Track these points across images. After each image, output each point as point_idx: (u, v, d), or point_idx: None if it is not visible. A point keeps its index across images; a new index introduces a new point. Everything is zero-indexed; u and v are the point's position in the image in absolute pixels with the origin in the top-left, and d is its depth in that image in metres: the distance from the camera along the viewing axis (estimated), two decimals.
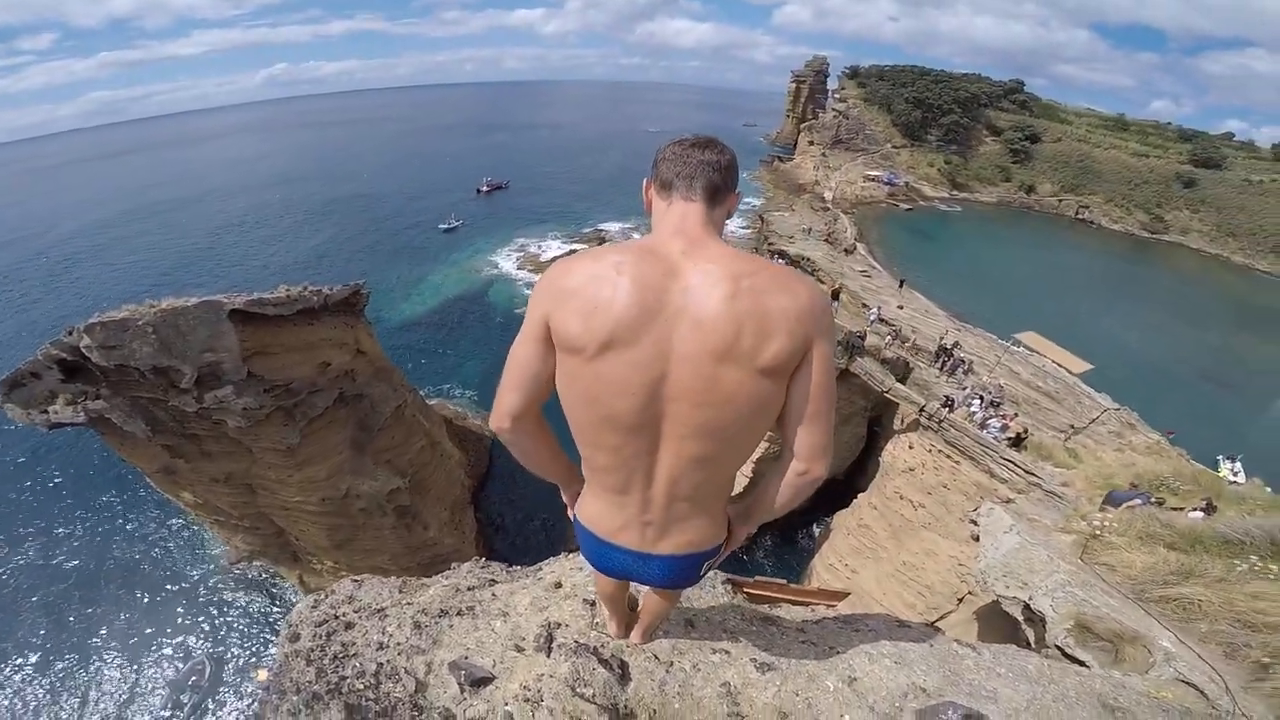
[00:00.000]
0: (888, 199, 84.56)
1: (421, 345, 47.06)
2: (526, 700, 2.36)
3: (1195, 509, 8.49)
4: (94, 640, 25.32)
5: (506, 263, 63.09)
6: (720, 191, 1.55)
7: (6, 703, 23.26)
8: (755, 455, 15.78)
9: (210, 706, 22.60)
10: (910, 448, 21.74)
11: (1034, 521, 8.78)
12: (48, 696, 23.35)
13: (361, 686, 2.39)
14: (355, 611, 2.97)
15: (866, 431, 29.03)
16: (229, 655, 24.76)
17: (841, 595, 4.40)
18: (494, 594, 3.58)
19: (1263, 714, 3.98)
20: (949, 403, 20.66)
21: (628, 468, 1.62)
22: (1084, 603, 5.44)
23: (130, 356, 15.13)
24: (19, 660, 24.68)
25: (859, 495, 24.11)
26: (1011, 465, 17.64)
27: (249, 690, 22.91)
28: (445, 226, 71.93)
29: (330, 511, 21.57)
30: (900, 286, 33.84)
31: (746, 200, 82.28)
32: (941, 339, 24.95)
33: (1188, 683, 4.15)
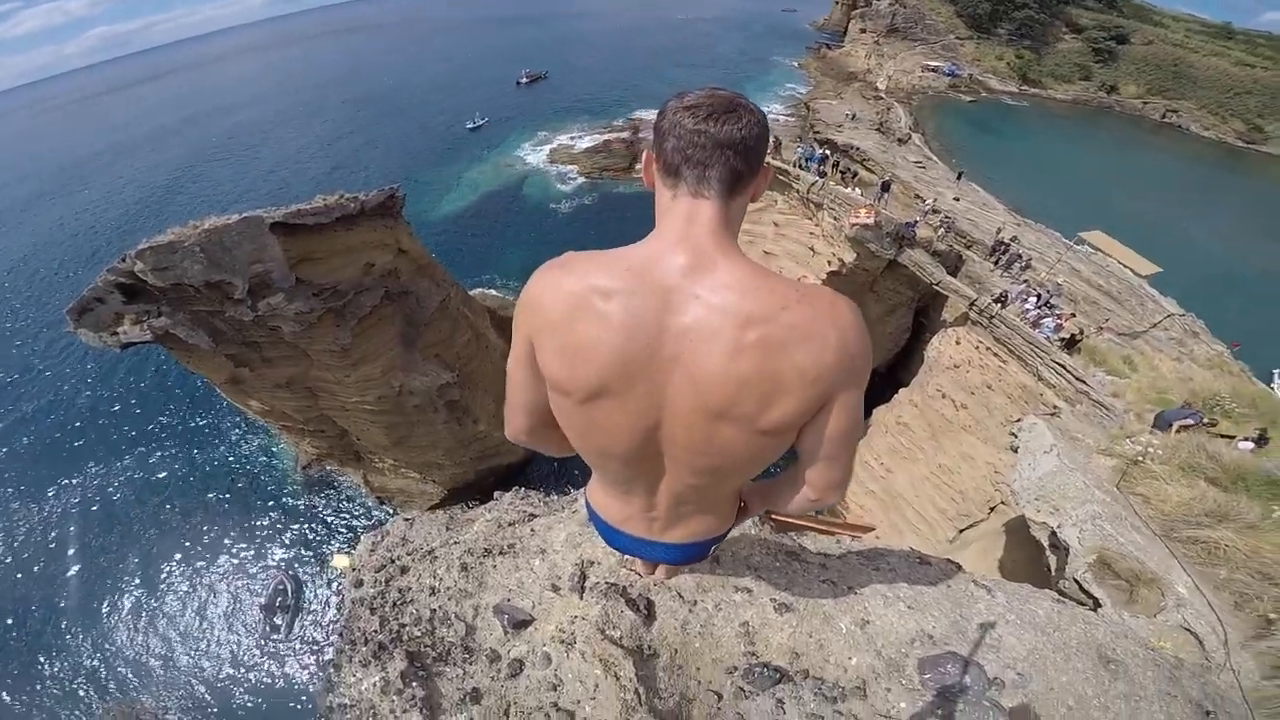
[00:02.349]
0: (949, 90, 77.29)
1: (461, 240, 47.88)
2: (561, 642, 2.62)
3: (1246, 439, 8.15)
4: (188, 551, 27.96)
5: (538, 156, 62.18)
6: (745, 178, 1.22)
7: (120, 617, 26.08)
8: None
9: (298, 622, 24.84)
10: (957, 343, 21.22)
11: (1076, 440, 8.65)
12: (153, 608, 26.11)
13: (419, 633, 2.70)
14: (409, 554, 3.27)
15: (912, 323, 28.26)
16: (308, 557, 27.17)
17: (868, 529, 4.54)
18: (533, 529, 3.84)
19: (1249, 670, 4.06)
20: (1002, 298, 19.89)
21: (628, 482, 1.58)
22: (1110, 538, 5.46)
23: (183, 275, 15.91)
24: (127, 573, 27.59)
25: (900, 391, 23.76)
26: (1062, 369, 17.11)
27: (330, 598, 25.07)
28: (472, 125, 71.20)
29: (387, 409, 22.91)
30: (958, 179, 31.66)
31: (790, 87, 76.37)
32: (998, 232, 23.63)
33: (1190, 631, 4.23)
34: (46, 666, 25.24)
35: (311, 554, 27.40)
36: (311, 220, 18.51)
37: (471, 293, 30.33)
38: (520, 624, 2.72)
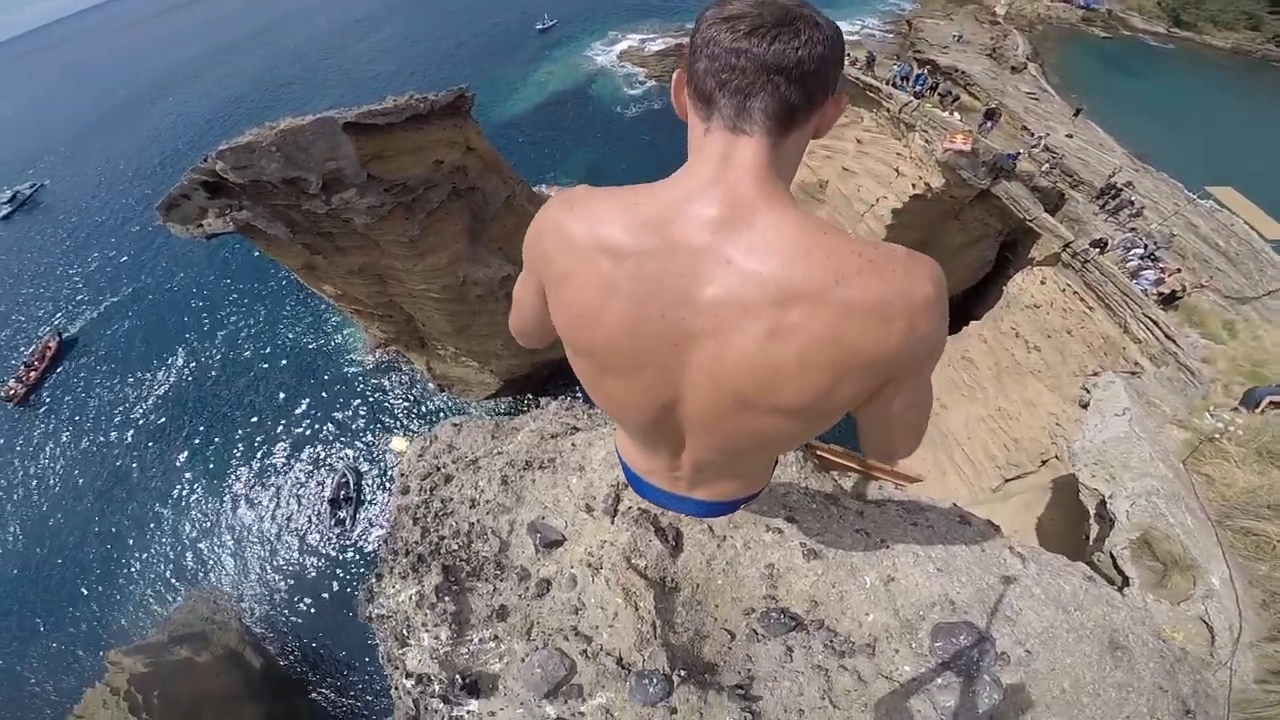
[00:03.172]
0: (1081, 23, 67.41)
1: (529, 139, 48.10)
2: (589, 566, 2.75)
3: None
4: (268, 430, 30.42)
5: (607, 57, 60.71)
6: (800, 112, 0.93)
7: (203, 500, 28.62)
8: None
9: (361, 514, 26.83)
10: (1042, 282, 19.91)
11: (1152, 406, 8.09)
12: (234, 492, 28.53)
13: (456, 547, 2.88)
14: (454, 462, 3.45)
15: (996, 257, 26.31)
16: (372, 441, 28.96)
17: (914, 479, 4.45)
18: (574, 444, 3.96)
19: (1246, 671, 3.92)
20: (1101, 244, 18.34)
21: (651, 441, 1.39)
22: (1160, 517, 5.19)
23: (261, 173, 16.82)
24: (211, 455, 30.06)
25: (970, 324, 22.42)
26: (1153, 324, 15.89)
27: (390, 486, 26.78)
28: (541, 26, 70.41)
29: (451, 298, 24.03)
30: (1076, 115, 28.35)
31: (892, 1, 68.13)
32: (1112, 175, 21.38)
33: (1206, 623, 4.09)
34: (136, 543, 28.15)
35: (374, 439, 29.49)
36: (382, 120, 18.88)
37: (536, 189, 30.38)
38: (551, 544, 2.87)
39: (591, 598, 2.64)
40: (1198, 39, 72.39)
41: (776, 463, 1.73)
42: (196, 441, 31.35)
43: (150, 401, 33.69)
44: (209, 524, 28.57)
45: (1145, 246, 17.93)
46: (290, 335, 35.01)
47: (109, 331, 38.91)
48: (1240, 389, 9.33)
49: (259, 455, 30.09)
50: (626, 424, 1.39)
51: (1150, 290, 16.69)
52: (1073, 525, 6.90)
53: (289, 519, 27.72)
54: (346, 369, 32.53)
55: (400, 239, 21.25)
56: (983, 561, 3.34)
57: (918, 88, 24.97)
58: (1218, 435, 6.66)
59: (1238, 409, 8.04)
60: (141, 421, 32.77)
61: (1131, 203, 20.04)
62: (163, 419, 32.61)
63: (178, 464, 30.69)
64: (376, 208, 19.57)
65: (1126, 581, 4.90)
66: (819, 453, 4.46)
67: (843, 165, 25.64)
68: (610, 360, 1.09)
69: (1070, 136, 24.77)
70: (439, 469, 3.36)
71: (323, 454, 29.43)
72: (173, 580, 27.09)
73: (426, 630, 2.62)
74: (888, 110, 24.75)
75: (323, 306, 31.04)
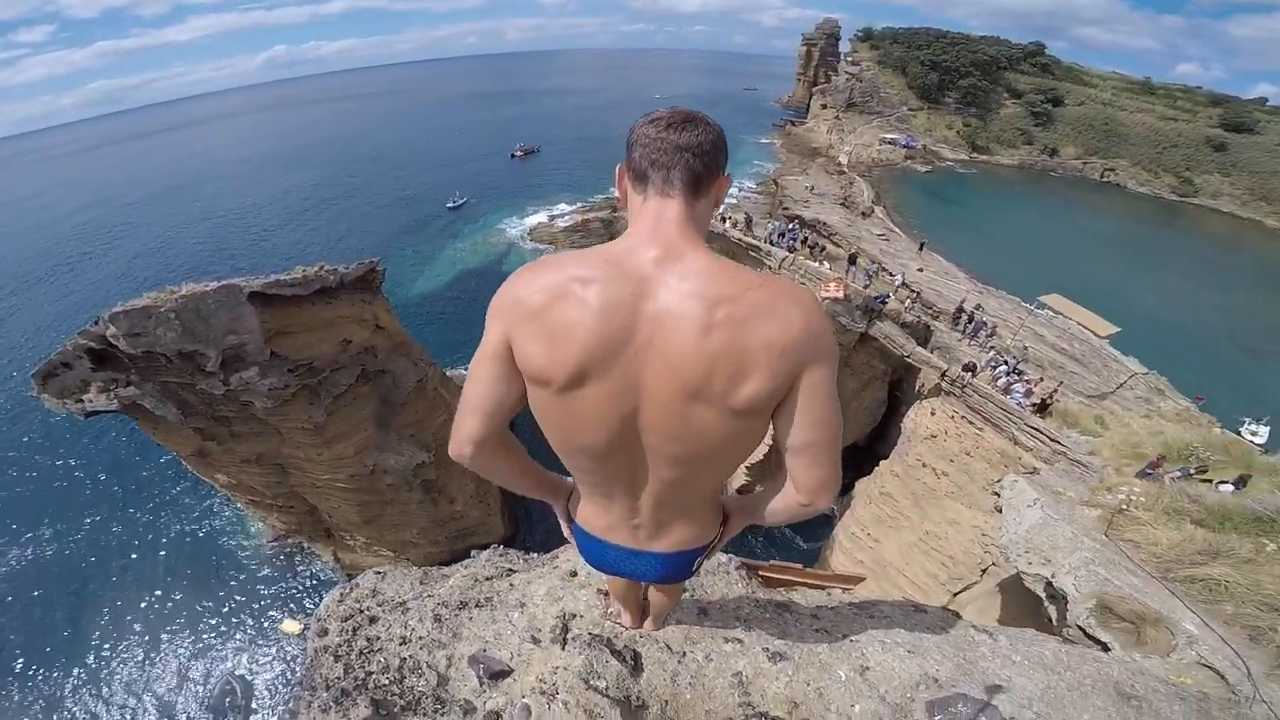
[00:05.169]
0: (905, 161, 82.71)
1: (439, 319, 47.95)
2: (542, 693, 2.42)
3: (1225, 482, 8.28)
4: (144, 623, 26.19)
5: (518, 235, 63.42)
6: (704, 180, 1.32)
7: (95, 674, 24.29)
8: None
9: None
10: (932, 414, 21.48)
11: (1059, 495, 8.65)
12: (99, 690, 24.14)
13: (386, 681, 2.48)
14: (379, 605, 3.06)
15: (888, 396, 28.71)
16: (271, 634, 25.50)
17: (858, 579, 4.40)
18: (511, 584, 3.66)
19: None
20: (971, 367, 20.33)
21: (608, 483, 1.57)
22: (1107, 582, 5.39)
23: (156, 343, 15.60)
24: (74, 644, 25.68)
25: (881, 462, 23.86)
26: (1036, 433, 17.35)
27: (281, 686, 23.33)
28: (451, 204, 72.52)
29: (359, 488, 22.17)
30: (920, 249, 33.08)
31: (758, 164, 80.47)
32: (962, 301, 24.46)
33: (1209, 667, 4.11)
34: None
35: (266, 632, 25.67)
36: (289, 291, 18.44)
37: (449, 373, 30.15)
38: (497, 674, 2.53)
39: None
40: (991, 160, 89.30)
41: (724, 521, 1.81)
42: (55, 621, 26.20)
43: (3, 573, 28.45)
44: (67, 711, 23.25)
45: (1007, 363, 20.13)
46: (175, 517, 30.99)
47: None
48: (1130, 471, 10.23)
49: (132, 643, 25.34)
50: (590, 451, 1.46)
51: (1024, 403, 18.45)
52: (1032, 616, 6.92)
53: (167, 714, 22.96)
54: (240, 556, 28.89)
55: (304, 425, 19.82)
56: (951, 640, 3.24)
57: (791, 242, 28.25)
58: (1124, 505, 7.17)
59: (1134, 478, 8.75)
60: None
61: (985, 324, 22.81)
62: (13, 594, 27.37)
63: (30, 643, 25.45)
64: (279, 390, 18.44)
65: (1105, 647, 4.85)
66: (762, 572, 4.38)
67: None
68: (584, 366, 1.27)
69: (921, 270, 28.52)
70: (361, 611, 2.96)
71: (208, 652, 25.13)
72: None
73: None
74: (769, 267, 27.59)
75: (215, 492, 28.20)
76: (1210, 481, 8.59)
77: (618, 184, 1.45)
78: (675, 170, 1.29)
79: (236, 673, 24.05)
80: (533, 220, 66.17)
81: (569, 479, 1.84)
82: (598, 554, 1.82)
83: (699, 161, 1.29)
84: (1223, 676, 3.95)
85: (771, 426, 1.39)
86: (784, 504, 1.55)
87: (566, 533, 1.93)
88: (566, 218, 64.64)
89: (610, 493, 1.60)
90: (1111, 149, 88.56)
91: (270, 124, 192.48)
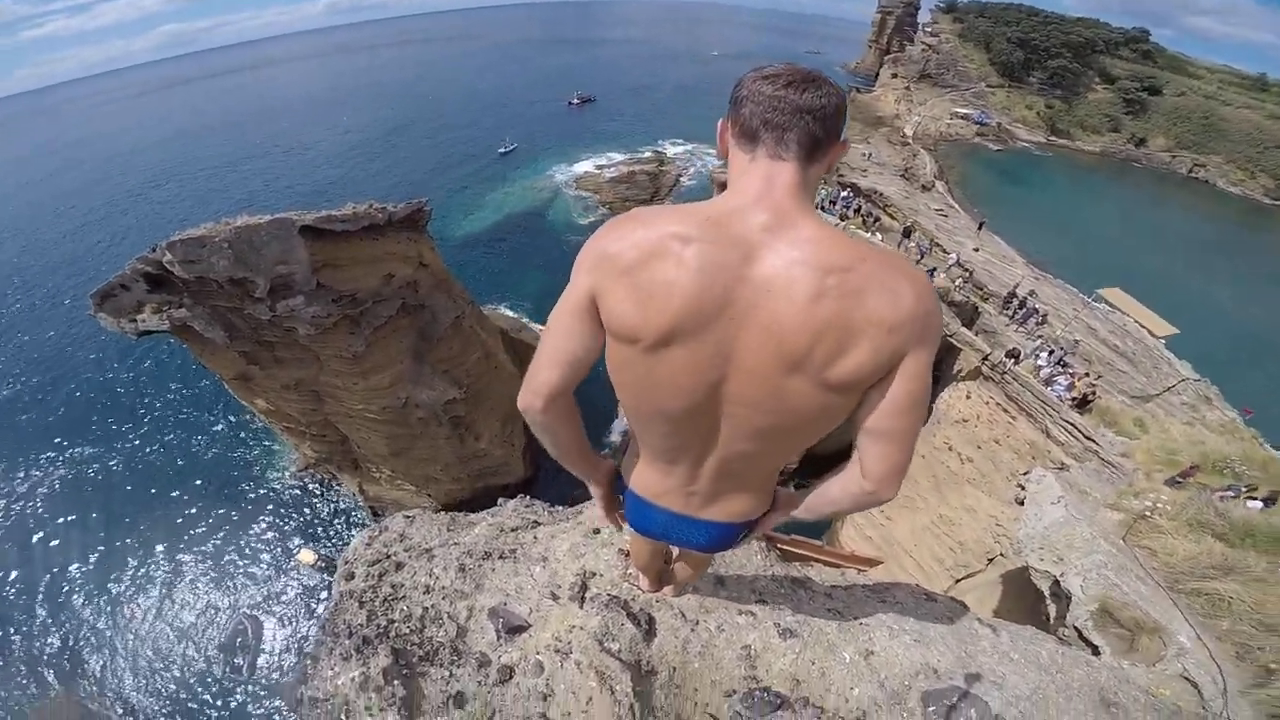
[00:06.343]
0: (976, 137, 78.47)
1: (482, 259, 48.57)
2: (557, 651, 2.55)
3: (1254, 498, 8.05)
4: (171, 546, 27.59)
5: (565, 182, 63.27)
6: (822, 145, 1.24)
7: (92, 610, 25.69)
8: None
9: (260, 662, 23.86)
10: (967, 397, 21.03)
11: (1084, 494, 8.53)
12: (123, 609, 25.63)
13: (408, 630, 2.64)
14: (406, 550, 3.23)
15: None
16: (293, 564, 26.76)
17: (875, 562, 4.47)
18: (535, 536, 3.80)
19: (1247, 719, 3.98)
20: (1015, 354, 19.77)
21: (677, 449, 1.55)
22: (1114, 587, 5.38)
23: (209, 270, 16.12)
24: (122, 554, 27.33)
25: None
26: (1071, 428, 16.92)
27: (296, 618, 24.40)
28: (503, 150, 73.01)
29: (391, 420, 22.89)
30: (979, 229, 31.70)
31: None
32: (1015, 286, 23.58)
33: (1189, 680, 4.14)
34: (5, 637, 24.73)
35: (285, 563, 26.90)
36: (339, 226, 18.83)
37: (486, 311, 30.51)
38: (515, 629, 2.67)
39: (562, 683, 2.43)
40: (1071, 145, 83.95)
41: (774, 500, 1.80)
42: (86, 539, 28.06)
43: (44, 490, 30.44)
44: (89, 629, 25.11)
45: (1053, 353, 19.49)
46: (210, 443, 32.58)
47: (8, 417, 35.75)
48: (1160, 477, 9.99)
49: (156, 566, 26.94)
50: (667, 415, 1.45)
51: (1064, 396, 17.93)
52: (1029, 612, 6.97)
53: (180, 647, 24.49)
54: (267, 485, 30.28)
55: (343, 354, 20.46)
56: (956, 632, 3.32)
57: (845, 209, 27.42)
58: (1149, 513, 7.07)
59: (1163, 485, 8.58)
60: (29, 509, 29.40)
61: (1036, 310, 21.98)
62: (52, 510, 29.39)
63: (61, 560, 27.28)
64: (322, 318, 19.04)
65: (1096, 651, 4.91)
66: (781, 545, 4.47)
67: None
68: (677, 327, 1.23)
69: (977, 250, 27.43)
70: (388, 556, 3.14)
71: (228, 577, 26.51)
72: (44, 675, 23.46)
73: (371, 715, 2.33)
74: None
75: (250, 418, 29.31)
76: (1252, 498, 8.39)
77: (719, 138, 1.38)
78: (792, 132, 1.21)
79: (249, 612, 25.05)
80: (580, 169, 65.87)
81: (608, 461, 1.86)
82: (646, 519, 1.81)
83: (819, 125, 1.22)
84: (1199, 691, 3.98)
85: (861, 407, 1.34)
86: (845, 490, 1.49)
87: (602, 511, 1.95)
88: (613, 168, 63.87)
89: (676, 459, 1.58)
90: (1207, 144, 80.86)
91: (332, 67, 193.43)
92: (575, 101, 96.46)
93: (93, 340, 40.33)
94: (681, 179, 61.76)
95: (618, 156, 68.94)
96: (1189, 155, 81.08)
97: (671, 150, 70.87)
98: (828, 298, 1.15)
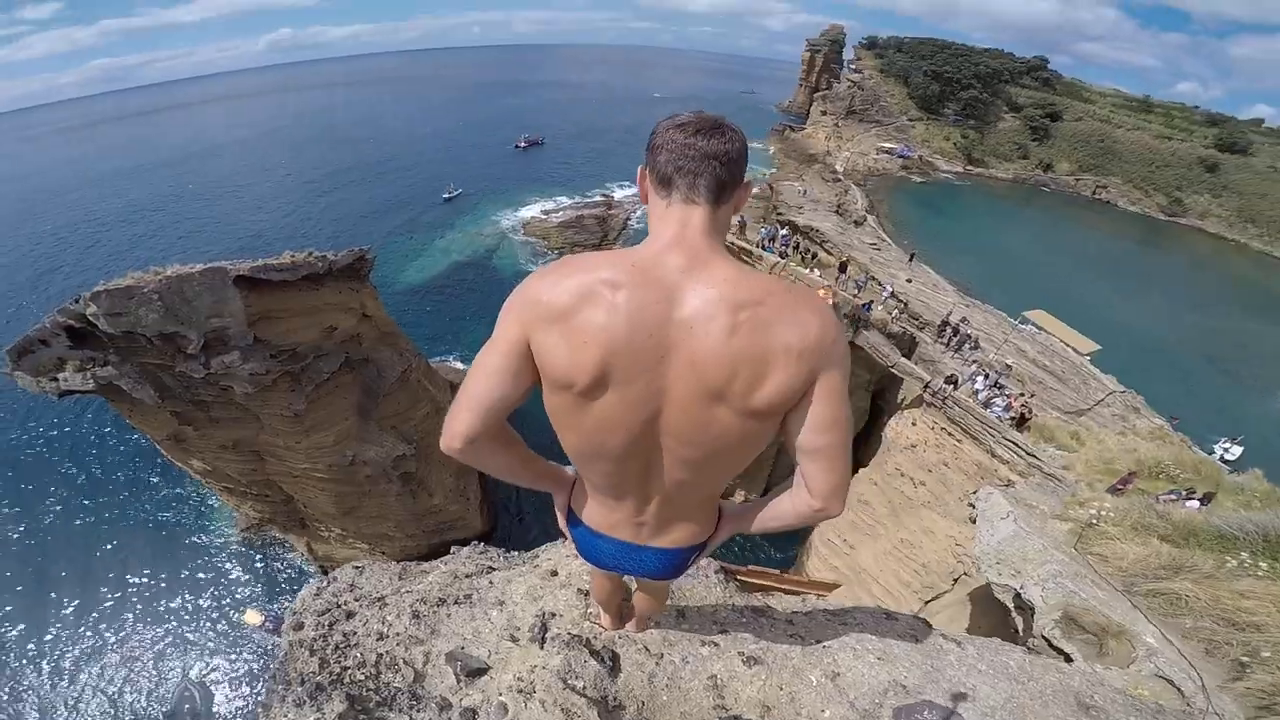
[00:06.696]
0: (901, 171, 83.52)
1: (427, 310, 47.41)
2: (520, 691, 2.44)
3: (1192, 498, 8.57)
4: (99, 620, 25.50)
5: (511, 228, 62.92)
6: (727, 188, 1.33)
7: (55, 669, 23.74)
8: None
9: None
10: (913, 424, 21.74)
11: (1031, 508, 8.86)
12: (55, 691, 23.51)
13: (362, 677, 2.49)
14: (356, 600, 3.06)
15: (870, 405, 29.02)
16: (234, 629, 25.11)
17: (833, 586, 4.49)
18: (491, 581, 3.67)
19: (1234, 713, 4.10)
20: (953, 380, 20.61)
21: (621, 485, 1.60)
22: (1073, 594, 5.55)
23: (137, 323, 15.25)
24: (31, 643, 24.88)
25: (860, 470, 24.19)
26: (1013, 446, 17.66)
27: (244, 686, 22.87)
28: (447, 195, 71.97)
29: (337, 478, 21.88)
30: (910, 260, 33.32)
31: (754, 168, 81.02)
32: (948, 314, 24.75)
33: (1166, 679, 4.25)
34: None
35: (230, 626, 25.12)
36: (277, 276, 18.16)
37: (434, 365, 29.84)
38: (475, 672, 2.55)
39: None
40: (986, 173, 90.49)
41: (719, 519, 1.85)
42: (6, 619, 25.43)
43: None
44: (22, 703, 22.62)
45: (987, 376, 20.45)
46: (149, 501, 30.32)
47: None
48: (1102, 486, 10.49)
49: (95, 634, 24.60)
50: (608, 455, 1.50)
51: (1003, 416, 18.78)
52: (1000, 626, 7.09)
53: None
54: (211, 545, 28.27)
55: (284, 412, 19.49)
56: (921, 649, 3.33)
57: (783, 248, 28.40)
58: (1095, 520, 7.38)
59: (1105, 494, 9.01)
60: None
61: (969, 336, 23.11)
62: None
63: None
64: (260, 375, 18.13)
65: (1068, 658, 4.99)
66: (740, 576, 4.44)
67: None
68: (609, 370, 1.29)
69: (909, 281, 28.77)
70: (339, 605, 2.96)
71: (171, 644, 24.38)
72: None
73: None
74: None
75: (187, 480, 27.56)
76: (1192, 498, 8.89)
77: (639, 184, 1.47)
78: (701, 178, 1.30)
79: (196, 678, 23.35)
80: (527, 213, 65.73)
81: (569, 468, 1.85)
82: (596, 550, 1.85)
83: (725, 170, 1.31)
84: (1178, 689, 4.09)
85: (786, 431, 1.43)
86: (794, 508, 1.56)
87: (562, 525, 1.94)
88: (561, 212, 64.19)
89: (621, 493, 1.63)
90: (1106, 166, 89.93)
91: (271, 106, 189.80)
92: (522, 144, 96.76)
93: (9, 392, 37.35)
94: (630, 221, 62.35)
95: (566, 200, 69.42)
96: (1091, 178, 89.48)
97: (619, 193, 71.57)
98: (742, 331, 1.25)
